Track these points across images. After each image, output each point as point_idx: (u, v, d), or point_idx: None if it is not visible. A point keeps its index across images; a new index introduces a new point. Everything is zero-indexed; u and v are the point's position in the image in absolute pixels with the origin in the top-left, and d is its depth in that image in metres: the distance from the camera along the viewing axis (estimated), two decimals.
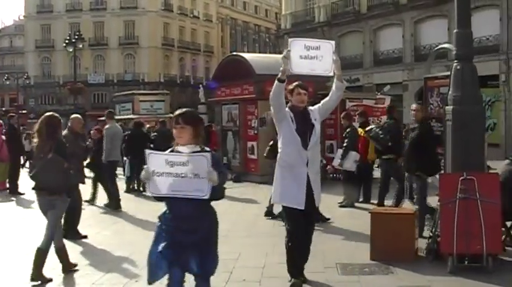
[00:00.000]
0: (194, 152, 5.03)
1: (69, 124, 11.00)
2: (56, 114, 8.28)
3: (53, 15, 75.55)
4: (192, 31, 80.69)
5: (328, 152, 19.08)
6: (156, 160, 5.01)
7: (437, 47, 13.11)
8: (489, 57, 31.07)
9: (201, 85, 53.21)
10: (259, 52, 76.63)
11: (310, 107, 7.20)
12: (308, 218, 7.12)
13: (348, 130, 14.17)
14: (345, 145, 14.09)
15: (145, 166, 5.01)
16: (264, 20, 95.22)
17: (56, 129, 8.09)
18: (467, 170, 7.91)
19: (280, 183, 7.10)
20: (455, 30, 8.56)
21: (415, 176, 10.21)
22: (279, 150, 7.17)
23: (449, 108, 8.51)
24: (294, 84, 7.14)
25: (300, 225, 6.99)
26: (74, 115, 11.41)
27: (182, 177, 4.91)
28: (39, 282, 7.61)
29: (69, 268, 8.16)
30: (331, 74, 6.91)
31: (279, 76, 6.76)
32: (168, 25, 76.34)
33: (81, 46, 45.02)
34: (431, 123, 11.37)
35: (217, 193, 5.06)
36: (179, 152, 5.08)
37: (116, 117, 28.70)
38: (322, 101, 7.24)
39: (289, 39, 6.87)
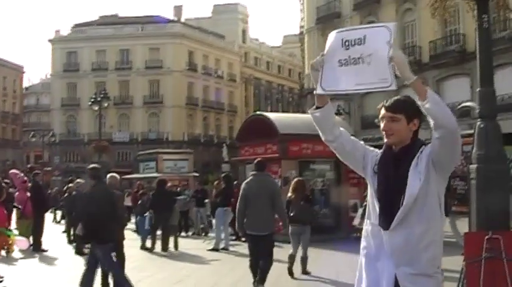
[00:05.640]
0: None
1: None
2: (304, 179, 13.52)
3: (79, 74, 77.06)
4: (216, 90, 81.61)
5: (352, 211, 19.02)
6: None
7: (460, 106, 13.10)
8: None
9: (224, 144, 53.59)
10: (283, 111, 77.20)
11: (426, 147, 3.77)
12: None
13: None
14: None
15: None
16: (287, 80, 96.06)
17: (304, 188, 12.89)
18: (493, 229, 7.82)
19: (357, 282, 4.03)
20: (478, 89, 8.58)
21: None
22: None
23: (473, 166, 8.47)
24: (382, 104, 3.96)
25: None
26: (111, 174, 11.97)
27: None
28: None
29: (305, 272, 12.41)
30: (394, 86, 3.56)
31: (315, 103, 3.98)
32: (192, 84, 77.26)
33: (106, 105, 45.64)
34: None
35: None
36: None
37: (140, 175, 28.47)
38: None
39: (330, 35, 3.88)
